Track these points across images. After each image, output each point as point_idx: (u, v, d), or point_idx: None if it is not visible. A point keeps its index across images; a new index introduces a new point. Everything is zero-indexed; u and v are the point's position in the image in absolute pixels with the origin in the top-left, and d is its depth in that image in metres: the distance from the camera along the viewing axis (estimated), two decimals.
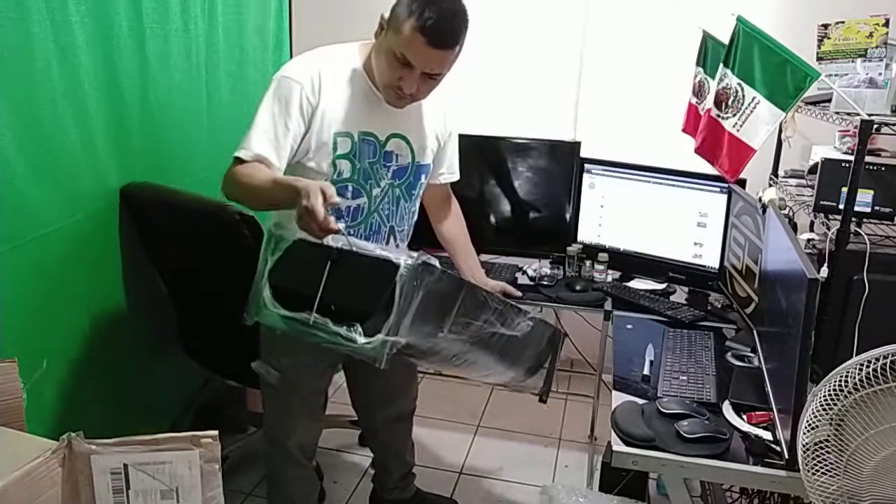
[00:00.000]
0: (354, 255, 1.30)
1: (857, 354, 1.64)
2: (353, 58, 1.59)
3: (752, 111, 1.91)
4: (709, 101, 2.15)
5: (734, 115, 1.97)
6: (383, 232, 1.68)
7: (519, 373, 1.69)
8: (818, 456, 1.15)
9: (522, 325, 1.58)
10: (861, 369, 1.09)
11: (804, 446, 1.16)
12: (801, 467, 1.22)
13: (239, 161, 1.51)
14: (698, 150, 2.18)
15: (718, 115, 2.04)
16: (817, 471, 1.15)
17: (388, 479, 2.17)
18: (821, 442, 1.13)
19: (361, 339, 1.20)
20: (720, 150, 2.06)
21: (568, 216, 2.53)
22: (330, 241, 1.31)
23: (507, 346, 1.56)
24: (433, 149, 1.73)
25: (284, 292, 1.32)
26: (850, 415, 1.10)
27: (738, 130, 1.96)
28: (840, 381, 1.11)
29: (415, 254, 1.25)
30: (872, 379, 1.07)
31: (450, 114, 1.77)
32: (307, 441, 1.87)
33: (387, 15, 1.48)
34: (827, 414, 1.11)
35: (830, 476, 1.14)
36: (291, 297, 1.31)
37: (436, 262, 1.26)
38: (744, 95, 1.93)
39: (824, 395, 1.14)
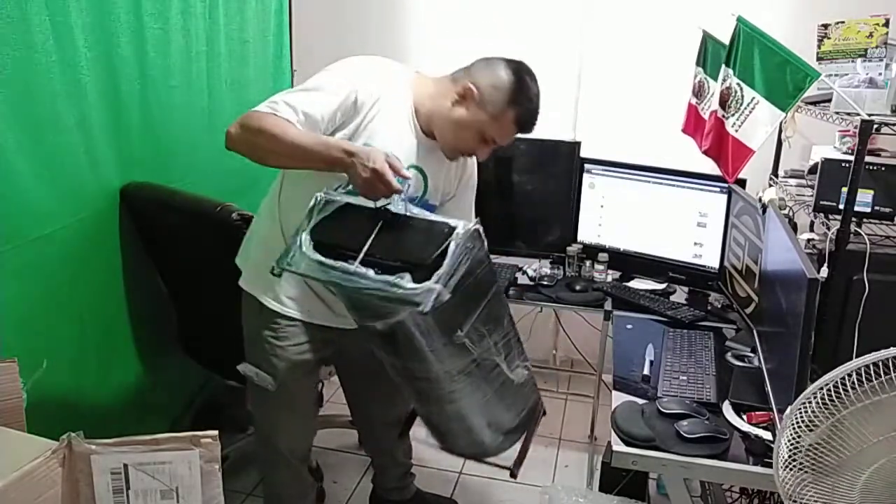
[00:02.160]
0: (407, 218, 1.32)
1: (856, 354, 1.65)
2: (408, 88, 1.55)
3: (750, 111, 1.91)
4: (713, 102, 2.15)
5: (733, 115, 1.98)
6: None
7: (497, 431, 1.65)
8: (816, 457, 1.14)
9: (520, 370, 1.59)
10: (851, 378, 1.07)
11: (793, 444, 1.14)
12: (779, 464, 1.19)
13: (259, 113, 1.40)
14: (707, 152, 2.18)
15: (724, 116, 2.05)
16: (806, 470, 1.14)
17: (387, 480, 2.16)
18: (814, 444, 1.12)
19: (409, 284, 1.19)
20: (724, 151, 2.06)
21: (568, 216, 2.53)
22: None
23: (500, 389, 1.56)
24: (445, 192, 1.68)
25: (325, 247, 1.29)
26: (844, 426, 1.09)
27: (736, 131, 1.96)
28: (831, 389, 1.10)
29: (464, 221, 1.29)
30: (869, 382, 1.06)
31: (473, 167, 1.73)
32: (300, 443, 1.85)
33: (476, 90, 1.47)
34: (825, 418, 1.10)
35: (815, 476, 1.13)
36: (332, 251, 1.27)
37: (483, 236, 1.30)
38: (743, 96, 1.93)
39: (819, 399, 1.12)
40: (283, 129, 1.36)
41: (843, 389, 1.03)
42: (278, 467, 1.83)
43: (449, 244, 1.23)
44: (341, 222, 1.34)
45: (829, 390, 1.05)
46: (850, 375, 1.03)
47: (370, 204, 1.35)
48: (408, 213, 1.33)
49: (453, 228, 1.26)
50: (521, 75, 1.49)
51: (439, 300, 1.17)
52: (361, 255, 1.25)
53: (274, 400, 1.73)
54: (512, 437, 1.72)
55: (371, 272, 1.21)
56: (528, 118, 1.51)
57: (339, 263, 1.24)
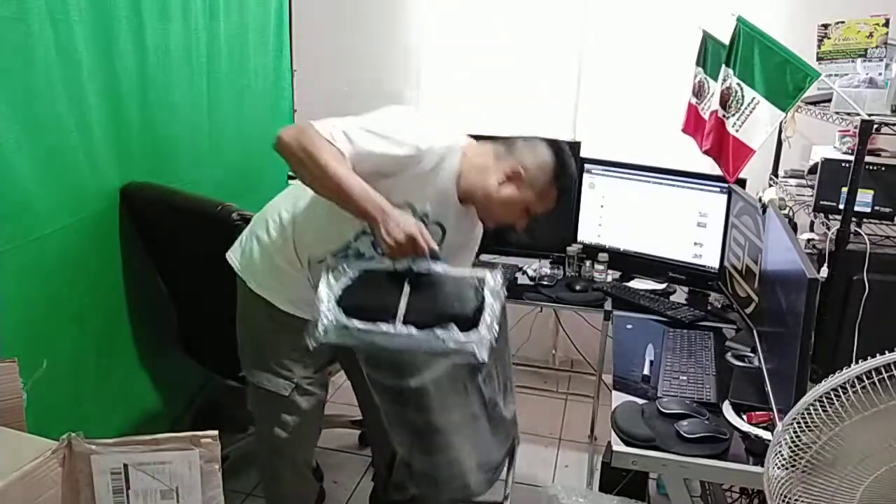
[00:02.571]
0: (432, 275, 1.36)
1: (856, 354, 1.65)
2: (459, 158, 1.54)
3: (751, 111, 1.91)
4: (714, 102, 2.15)
5: (734, 115, 1.98)
6: None
7: (484, 471, 1.65)
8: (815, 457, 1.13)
9: (511, 405, 1.63)
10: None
11: (793, 442, 1.13)
12: (772, 459, 1.17)
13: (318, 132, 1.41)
14: (708, 152, 2.18)
15: (724, 115, 2.05)
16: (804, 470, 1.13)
17: (385, 485, 2.17)
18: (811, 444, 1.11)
19: (462, 336, 1.23)
20: (725, 150, 2.06)
21: (568, 216, 2.53)
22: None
23: (495, 427, 1.58)
24: (455, 244, 1.68)
25: (355, 311, 1.31)
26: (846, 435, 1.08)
27: (737, 131, 1.96)
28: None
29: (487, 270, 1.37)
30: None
31: (480, 226, 1.73)
32: (309, 447, 1.83)
33: (524, 171, 1.53)
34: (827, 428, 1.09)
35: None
36: (365, 316, 1.29)
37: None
38: (743, 96, 1.93)
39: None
40: (332, 161, 1.37)
41: (840, 396, 1.02)
42: (285, 471, 1.80)
43: (485, 295, 1.31)
44: (367, 285, 1.38)
45: (826, 398, 1.04)
46: (843, 387, 1.02)
47: (384, 262, 1.39)
48: (431, 271, 1.37)
49: (482, 279, 1.35)
50: (561, 154, 1.57)
51: (492, 343, 1.23)
52: (401, 314, 1.29)
53: (286, 404, 1.69)
54: (496, 472, 1.74)
55: (413, 329, 1.25)
56: (567, 191, 1.62)
57: (381, 326, 1.26)
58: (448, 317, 1.27)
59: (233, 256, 1.68)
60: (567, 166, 1.57)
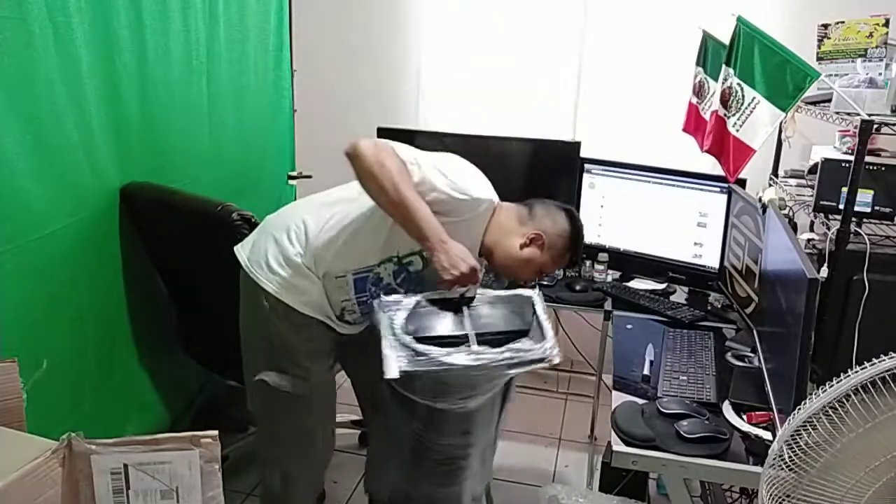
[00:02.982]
0: (481, 298, 1.56)
1: (856, 354, 1.65)
2: (489, 214, 1.64)
3: (751, 111, 1.91)
4: (714, 101, 2.15)
5: (734, 115, 1.98)
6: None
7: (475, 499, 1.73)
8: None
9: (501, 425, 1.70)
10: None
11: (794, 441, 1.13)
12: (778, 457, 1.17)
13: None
14: (708, 151, 2.18)
15: (725, 115, 2.05)
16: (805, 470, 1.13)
17: (383, 478, 2.17)
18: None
19: (533, 346, 1.38)
20: (726, 150, 2.07)
21: None
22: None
23: (492, 450, 1.68)
24: None
25: (428, 340, 1.41)
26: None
27: (737, 130, 1.96)
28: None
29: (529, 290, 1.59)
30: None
31: None
32: (328, 447, 1.81)
33: (545, 237, 1.67)
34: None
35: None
36: (439, 343, 1.39)
37: None
38: (744, 95, 1.93)
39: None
40: (405, 180, 1.46)
41: (845, 403, 1.02)
42: (299, 474, 1.76)
43: (535, 309, 1.50)
44: (426, 314, 1.51)
45: (829, 408, 1.03)
46: (846, 398, 1.01)
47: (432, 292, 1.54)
48: (482, 295, 1.56)
49: (530, 297, 1.54)
50: (577, 223, 1.72)
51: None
52: (472, 335, 1.44)
53: (305, 404, 1.67)
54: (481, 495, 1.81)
55: (489, 348, 1.36)
56: (577, 257, 1.80)
57: (461, 349, 1.37)
58: (516, 332, 1.46)
59: (242, 254, 1.67)
60: (581, 234, 1.74)
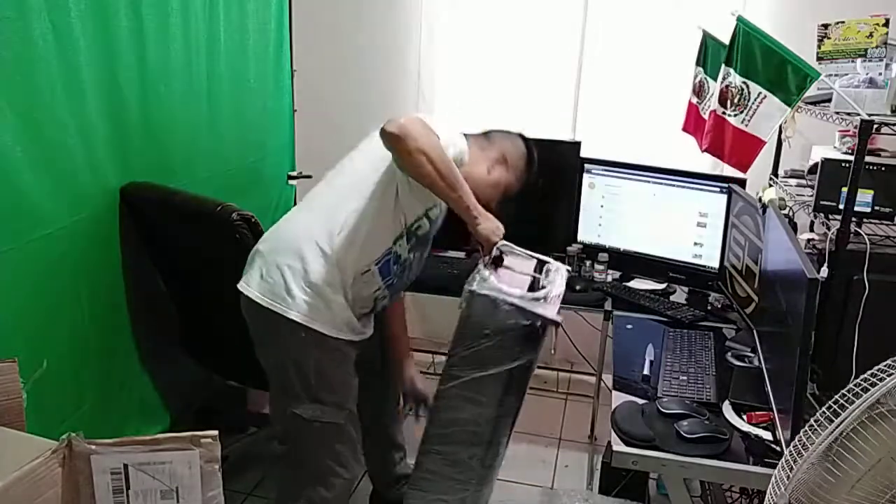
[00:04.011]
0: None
1: (856, 354, 1.65)
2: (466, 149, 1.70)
3: (759, 105, 1.92)
4: (713, 101, 2.15)
5: (742, 112, 1.98)
6: (405, 286, 1.80)
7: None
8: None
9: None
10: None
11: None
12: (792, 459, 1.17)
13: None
14: (707, 149, 2.18)
15: (724, 113, 2.05)
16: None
17: (388, 470, 2.17)
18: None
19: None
20: (726, 146, 2.07)
21: (568, 216, 2.53)
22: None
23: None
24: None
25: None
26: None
27: (746, 125, 1.98)
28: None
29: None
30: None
31: None
32: (359, 460, 1.81)
33: (509, 158, 1.79)
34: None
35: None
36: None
37: None
38: (749, 92, 1.94)
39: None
40: (450, 160, 1.52)
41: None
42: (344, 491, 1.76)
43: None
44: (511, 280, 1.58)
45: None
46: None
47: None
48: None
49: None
50: (530, 145, 1.85)
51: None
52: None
53: (339, 432, 1.68)
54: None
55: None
56: (533, 179, 1.89)
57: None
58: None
59: (251, 290, 1.62)
60: (534, 156, 1.85)
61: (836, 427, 1.03)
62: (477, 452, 1.53)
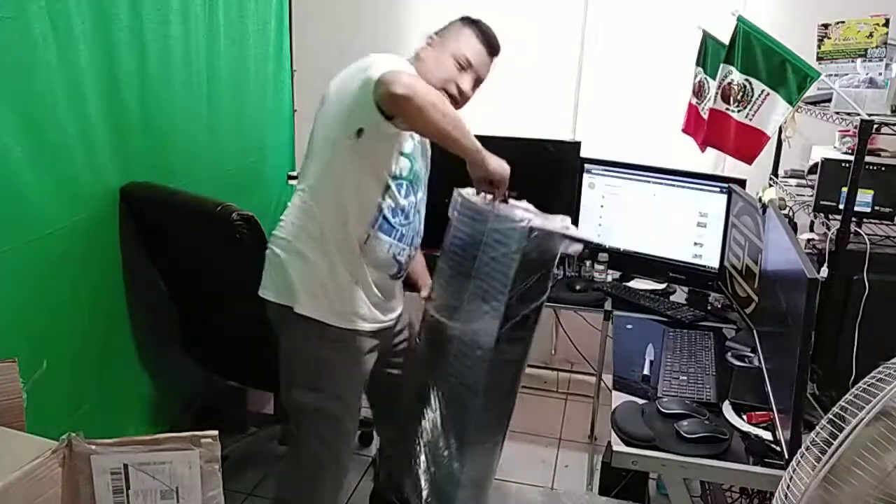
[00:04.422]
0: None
1: (856, 354, 1.65)
2: (411, 67, 1.64)
3: (762, 101, 1.92)
4: (711, 99, 2.15)
5: (746, 108, 1.99)
6: (420, 232, 1.73)
7: None
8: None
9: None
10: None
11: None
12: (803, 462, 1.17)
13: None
14: (706, 142, 2.18)
15: (727, 109, 2.05)
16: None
17: (400, 461, 2.17)
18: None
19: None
20: (729, 140, 2.07)
21: (568, 216, 2.52)
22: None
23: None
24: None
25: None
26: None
27: (750, 120, 1.98)
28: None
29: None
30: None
31: None
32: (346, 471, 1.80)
33: (434, 34, 1.73)
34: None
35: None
36: None
37: None
38: (753, 89, 1.94)
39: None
40: (454, 111, 1.50)
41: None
42: (325, 489, 1.75)
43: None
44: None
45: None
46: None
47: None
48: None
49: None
50: (473, 20, 1.77)
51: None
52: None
53: (338, 419, 1.68)
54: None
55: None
56: (486, 31, 1.76)
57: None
58: None
59: (267, 292, 1.64)
60: (471, 17, 1.79)
61: (840, 445, 1.02)
62: (514, 400, 1.60)
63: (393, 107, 1.44)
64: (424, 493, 1.67)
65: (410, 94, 1.41)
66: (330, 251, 1.59)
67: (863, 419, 1.01)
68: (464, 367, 1.56)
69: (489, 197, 1.57)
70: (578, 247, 1.49)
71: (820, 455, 1.06)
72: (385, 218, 1.61)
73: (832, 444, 1.04)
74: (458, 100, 1.68)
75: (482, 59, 1.71)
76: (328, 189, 1.59)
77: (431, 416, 1.65)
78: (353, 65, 1.57)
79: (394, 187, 1.61)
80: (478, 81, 1.72)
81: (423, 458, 1.68)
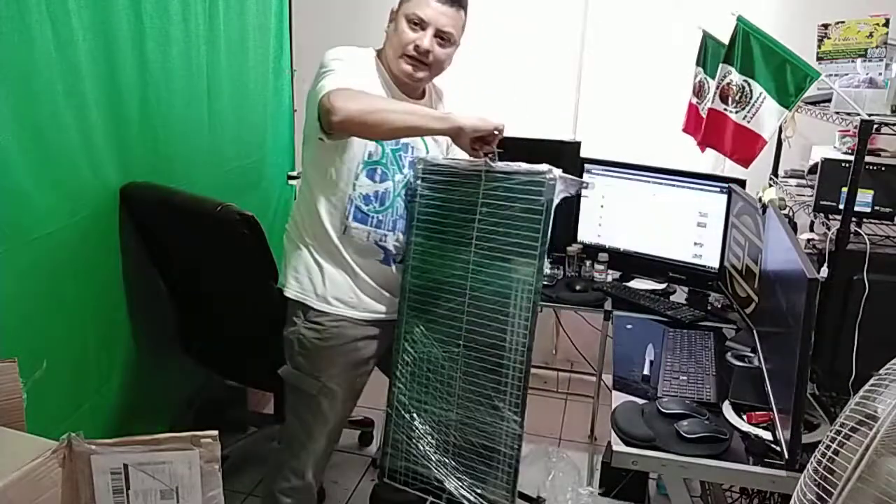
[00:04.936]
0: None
1: (856, 354, 1.65)
2: (371, 55, 1.69)
3: (761, 104, 1.92)
4: (710, 98, 2.15)
5: (743, 109, 1.98)
6: (403, 215, 1.72)
7: None
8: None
9: None
10: None
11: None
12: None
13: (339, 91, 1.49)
14: (703, 142, 2.18)
15: (726, 109, 2.05)
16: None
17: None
18: None
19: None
20: (726, 141, 2.07)
21: (568, 216, 2.53)
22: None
23: None
24: (441, 147, 1.81)
25: None
26: None
27: (748, 122, 1.97)
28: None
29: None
30: None
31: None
32: (328, 451, 1.81)
33: (395, 5, 1.66)
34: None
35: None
36: None
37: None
38: (751, 91, 1.94)
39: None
40: (385, 102, 1.53)
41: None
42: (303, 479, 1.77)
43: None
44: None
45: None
46: None
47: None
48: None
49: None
50: None
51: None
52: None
53: (314, 399, 1.70)
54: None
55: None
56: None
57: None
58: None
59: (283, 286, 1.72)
60: None
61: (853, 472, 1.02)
62: None
63: (339, 132, 1.50)
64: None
65: (344, 116, 1.44)
66: (312, 239, 1.66)
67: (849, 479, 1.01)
68: (496, 325, 1.61)
69: (488, 155, 1.58)
70: (577, 188, 1.61)
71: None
72: (357, 207, 1.63)
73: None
74: (426, 60, 1.61)
75: (436, 11, 1.60)
76: (304, 183, 1.68)
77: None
78: (323, 58, 1.62)
79: (364, 175, 1.63)
80: (444, 36, 1.62)
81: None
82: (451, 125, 1.50)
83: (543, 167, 1.54)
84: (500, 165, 1.58)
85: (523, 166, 1.56)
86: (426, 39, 1.59)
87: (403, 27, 1.61)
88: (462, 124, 1.50)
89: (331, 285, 1.66)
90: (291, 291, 1.68)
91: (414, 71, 1.62)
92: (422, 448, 1.71)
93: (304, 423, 1.72)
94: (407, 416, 1.73)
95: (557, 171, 1.54)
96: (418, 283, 1.69)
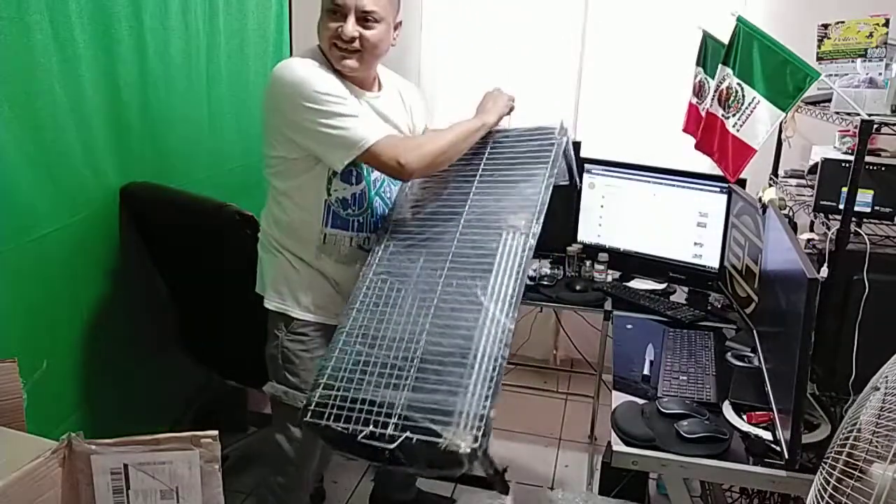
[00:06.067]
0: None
1: (856, 354, 1.65)
2: (320, 59, 1.61)
3: (751, 111, 1.91)
4: (709, 100, 2.15)
5: (734, 115, 1.98)
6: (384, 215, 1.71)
7: None
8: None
9: None
10: None
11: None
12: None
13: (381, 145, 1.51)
14: (698, 146, 2.18)
15: (723, 115, 2.05)
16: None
17: (391, 479, 2.17)
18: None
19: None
20: (723, 149, 2.06)
21: (568, 216, 2.53)
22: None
23: None
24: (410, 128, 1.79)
25: None
26: None
27: (738, 130, 1.96)
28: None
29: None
30: None
31: (420, 109, 1.83)
32: (320, 467, 1.80)
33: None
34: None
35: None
36: None
37: None
38: (744, 95, 1.93)
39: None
40: (443, 140, 1.57)
41: None
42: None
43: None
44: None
45: None
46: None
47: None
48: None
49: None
50: None
51: None
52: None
53: (299, 411, 1.66)
54: None
55: None
56: None
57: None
58: None
59: (258, 286, 1.70)
60: None
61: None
62: None
63: (405, 178, 1.58)
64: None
65: (416, 171, 1.53)
66: (288, 249, 1.62)
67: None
68: (490, 242, 1.49)
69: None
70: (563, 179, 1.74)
71: None
72: (334, 213, 1.60)
73: None
74: (354, 46, 1.54)
75: None
76: (273, 192, 1.63)
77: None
78: (277, 77, 1.58)
79: (337, 179, 1.59)
80: (368, 17, 1.54)
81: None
82: (487, 128, 1.66)
83: (547, 122, 1.67)
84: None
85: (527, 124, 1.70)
86: (349, 25, 1.52)
87: (324, 17, 1.55)
88: (493, 121, 1.68)
89: (312, 293, 1.62)
90: (271, 303, 1.64)
91: (346, 61, 1.55)
92: (369, 371, 1.41)
93: (293, 441, 1.68)
94: (358, 342, 1.47)
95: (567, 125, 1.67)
96: (405, 218, 1.63)
